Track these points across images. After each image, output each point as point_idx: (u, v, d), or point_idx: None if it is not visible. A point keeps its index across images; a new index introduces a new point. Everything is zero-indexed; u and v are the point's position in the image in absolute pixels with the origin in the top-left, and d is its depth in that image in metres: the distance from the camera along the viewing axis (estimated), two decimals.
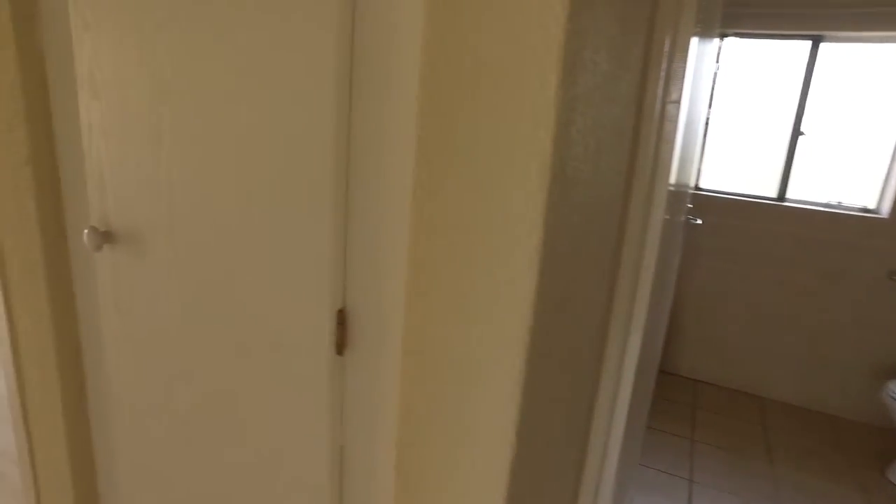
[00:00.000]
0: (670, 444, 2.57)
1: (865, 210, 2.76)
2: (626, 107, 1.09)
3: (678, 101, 1.39)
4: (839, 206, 2.79)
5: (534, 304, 0.67)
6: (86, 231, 0.97)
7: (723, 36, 2.80)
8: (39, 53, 1.00)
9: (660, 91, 1.27)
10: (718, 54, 2.76)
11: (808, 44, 2.67)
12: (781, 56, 2.78)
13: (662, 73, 1.25)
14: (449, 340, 0.72)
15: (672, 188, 1.52)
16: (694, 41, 1.43)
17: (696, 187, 3.01)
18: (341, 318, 0.82)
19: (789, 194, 2.85)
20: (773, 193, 2.89)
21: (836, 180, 2.83)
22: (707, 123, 2.93)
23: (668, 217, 1.58)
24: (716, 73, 2.78)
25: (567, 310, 0.85)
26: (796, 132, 2.79)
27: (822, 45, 2.66)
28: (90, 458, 1.27)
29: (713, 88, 2.84)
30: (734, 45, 2.84)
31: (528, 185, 0.65)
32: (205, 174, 0.85)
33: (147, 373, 1.03)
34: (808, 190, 2.85)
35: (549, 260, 0.69)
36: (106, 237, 0.98)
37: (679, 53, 1.32)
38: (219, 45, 0.79)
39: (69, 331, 1.13)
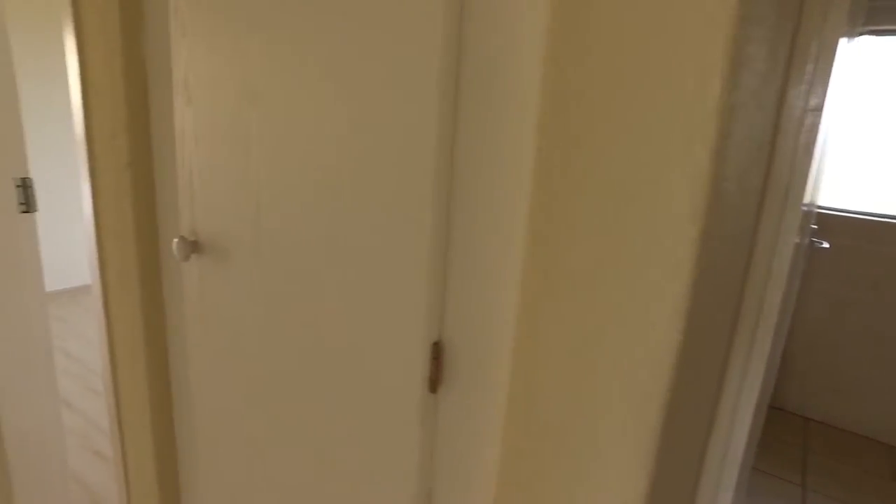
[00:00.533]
0: (778, 490, 2.29)
1: None
2: (768, 114, 0.94)
3: (820, 110, 1.20)
4: None
5: (676, 360, 0.54)
6: (175, 240, 0.95)
7: (856, 34, 2.48)
8: (142, 61, 0.99)
9: (802, 97, 1.09)
10: (850, 54, 2.45)
11: None
12: None
13: (807, 77, 1.07)
14: (565, 391, 0.61)
15: (805, 208, 1.33)
16: (843, 40, 1.23)
17: (819, 205, 2.69)
18: (436, 352, 0.73)
19: None
20: None
21: None
22: (834, 131, 2.61)
23: (797, 241, 1.39)
24: (847, 75, 2.47)
25: (702, 356, 0.71)
26: None
27: None
28: (174, 463, 1.26)
29: (843, 92, 2.52)
30: (867, 44, 2.51)
31: (676, 213, 0.53)
32: (295, 186, 0.79)
33: (226, 389, 0.99)
34: None
35: (696, 307, 0.56)
36: (194, 247, 0.96)
37: (825, 53, 1.13)
38: (313, 47, 0.73)
39: (158, 337, 1.12)
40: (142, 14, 0.98)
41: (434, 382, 0.73)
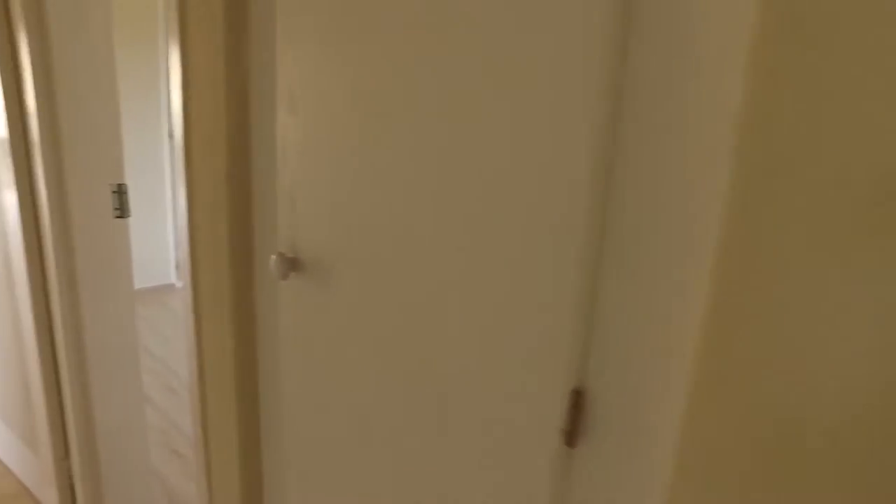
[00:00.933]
0: None
1: None
2: None
3: None
4: None
5: None
6: (273, 257, 0.90)
7: None
8: (245, 69, 0.95)
9: None
10: None
11: None
12: None
13: None
14: (764, 464, 0.49)
15: None
16: None
17: None
18: (576, 401, 0.63)
19: None
20: None
21: None
22: None
23: None
24: None
25: None
26: None
27: None
28: (260, 487, 1.22)
29: None
30: None
31: None
32: (414, 205, 0.71)
33: (322, 418, 0.92)
34: None
35: None
36: (293, 265, 0.90)
37: None
38: (447, 53, 0.64)
39: (248, 355, 1.07)
40: (246, 20, 0.93)
41: (572, 435, 0.63)
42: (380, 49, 0.71)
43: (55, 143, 1.78)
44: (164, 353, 3.46)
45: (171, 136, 4.13)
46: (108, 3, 1.76)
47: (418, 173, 0.70)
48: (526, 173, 0.60)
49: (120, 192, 1.90)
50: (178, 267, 4.32)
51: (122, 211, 1.91)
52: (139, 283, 4.12)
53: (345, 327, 0.84)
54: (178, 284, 4.34)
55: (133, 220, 4.53)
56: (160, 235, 4.23)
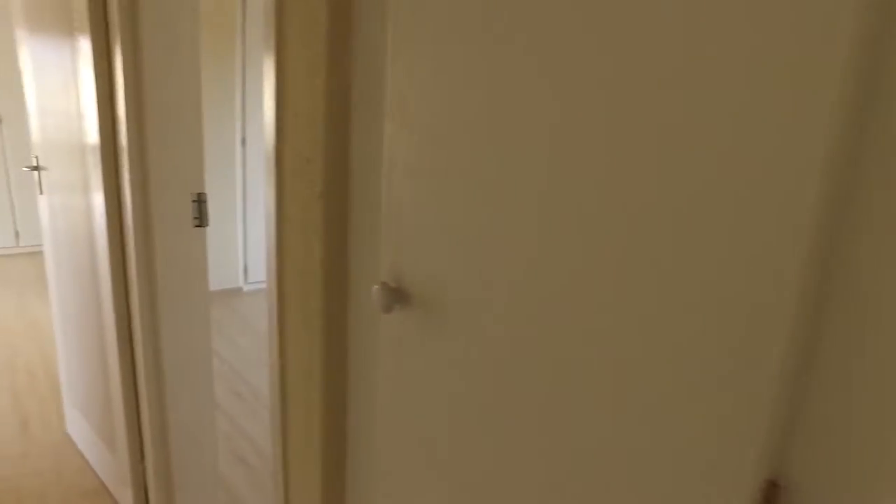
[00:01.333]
0: None
1: None
2: None
3: None
4: None
5: None
6: (376, 287, 0.80)
7: None
8: (347, 77, 0.87)
9: None
10: None
11: None
12: None
13: None
14: None
15: None
16: None
17: None
18: (770, 495, 0.50)
19: None
20: None
21: None
22: None
23: None
24: None
25: None
26: None
27: None
28: None
29: None
30: None
31: None
32: (565, 236, 0.60)
33: (425, 474, 0.82)
34: None
35: None
36: (398, 296, 0.80)
37: None
38: (613, 55, 0.53)
39: (338, 390, 0.99)
40: (350, 24, 0.85)
41: None
42: (537, 47, 0.60)
43: (141, 150, 1.78)
44: (231, 356, 3.49)
45: (243, 142, 4.20)
46: (197, 21, 1.75)
47: (562, 195, 0.58)
48: (734, 223, 0.47)
49: (199, 201, 1.89)
50: (246, 271, 4.39)
51: (200, 220, 1.90)
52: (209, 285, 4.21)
53: (460, 376, 0.73)
54: (247, 288, 4.40)
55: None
56: (230, 239, 4.30)
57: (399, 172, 0.77)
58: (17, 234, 5.06)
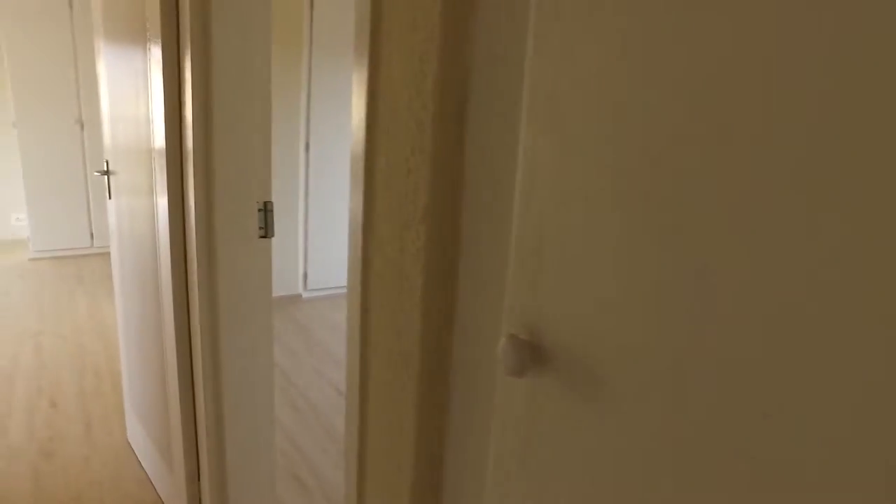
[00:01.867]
0: None
1: None
2: None
3: None
4: None
5: None
6: (503, 340, 0.59)
7: None
8: (465, 66, 0.67)
9: None
10: None
11: None
12: None
13: None
14: None
15: None
16: None
17: None
18: None
19: None
20: None
21: None
22: None
23: None
24: None
25: None
26: None
27: None
28: None
29: None
30: None
31: None
32: (801, 287, 0.37)
33: None
34: None
35: None
36: (534, 354, 0.59)
37: None
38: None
39: (431, 455, 0.78)
40: (473, 4, 0.65)
41: None
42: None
43: (207, 154, 1.65)
44: (289, 366, 3.38)
45: (307, 147, 4.11)
46: (268, 26, 1.62)
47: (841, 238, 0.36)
48: None
49: (265, 210, 1.75)
50: (306, 277, 4.30)
51: (266, 230, 1.76)
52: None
53: (628, 469, 0.51)
54: (306, 295, 4.31)
55: None
56: (290, 245, 4.23)
57: (542, 189, 0.56)
58: (91, 235, 5.19)
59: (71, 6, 4.71)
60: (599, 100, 0.51)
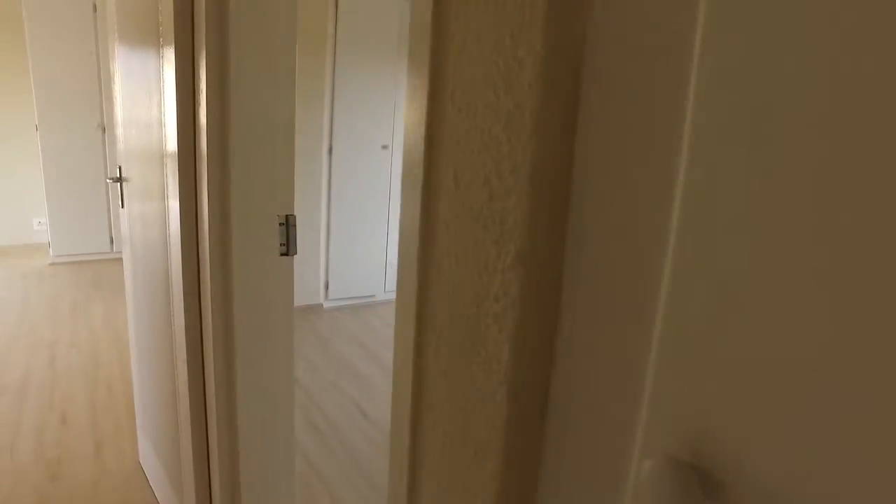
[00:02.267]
0: None
1: None
2: None
3: None
4: None
5: None
6: (651, 463, 0.39)
7: None
8: (579, 51, 0.46)
9: None
10: None
11: None
12: None
13: None
14: None
15: None
16: None
17: None
18: None
19: None
20: None
21: None
22: None
23: None
24: None
25: None
26: None
27: None
28: None
29: None
30: None
31: None
32: None
33: None
34: None
35: None
36: (704, 486, 0.38)
37: None
38: None
39: None
40: None
41: None
42: None
43: (223, 159, 1.47)
44: (308, 381, 3.20)
45: (330, 151, 3.94)
46: (293, 31, 1.43)
47: None
48: None
49: (288, 224, 1.55)
50: (327, 287, 4.12)
51: (287, 247, 1.57)
52: None
53: None
54: (327, 305, 4.13)
55: None
56: (312, 253, 4.06)
57: (717, 226, 0.35)
58: (111, 240, 5.09)
59: (95, 10, 4.62)
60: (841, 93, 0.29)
